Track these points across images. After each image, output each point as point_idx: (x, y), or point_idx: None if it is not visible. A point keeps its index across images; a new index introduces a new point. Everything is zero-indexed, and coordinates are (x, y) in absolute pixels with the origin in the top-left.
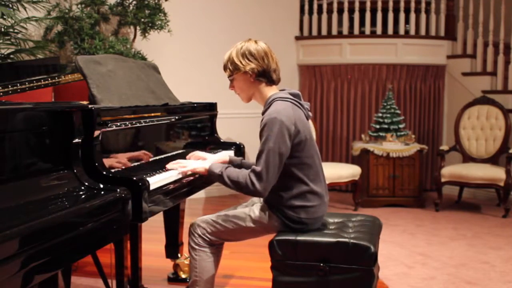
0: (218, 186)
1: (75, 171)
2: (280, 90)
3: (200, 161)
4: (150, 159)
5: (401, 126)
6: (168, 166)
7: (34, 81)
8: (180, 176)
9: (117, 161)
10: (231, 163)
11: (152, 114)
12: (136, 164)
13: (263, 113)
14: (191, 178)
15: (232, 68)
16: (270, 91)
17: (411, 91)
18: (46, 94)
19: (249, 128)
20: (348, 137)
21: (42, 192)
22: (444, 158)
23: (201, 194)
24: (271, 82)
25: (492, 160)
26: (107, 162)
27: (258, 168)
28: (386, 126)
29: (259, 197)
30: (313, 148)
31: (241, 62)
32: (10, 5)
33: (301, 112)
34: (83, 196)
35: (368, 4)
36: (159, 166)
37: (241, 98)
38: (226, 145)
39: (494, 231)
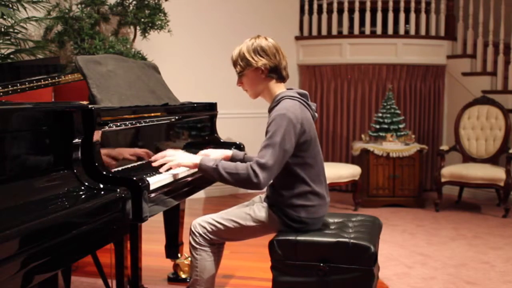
0: (218, 186)
1: (75, 171)
2: (288, 89)
3: (189, 154)
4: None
5: (401, 126)
6: (154, 162)
7: (34, 81)
8: (181, 176)
9: (118, 159)
10: (233, 157)
11: (152, 114)
12: (136, 164)
13: (269, 110)
14: (191, 178)
15: (243, 64)
16: (279, 89)
17: (411, 91)
18: (46, 94)
19: (249, 128)
20: (348, 137)
21: (42, 192)
22: (444, 158)
23: (201, 194)
24: (281, 78)
25: (492, 160)
26: (107, 161)
27: (262, 160)
28: (386, 126)
29: (258, 189)
30: (317, 149)
31: (253, 58)
32: (10, 5)
33: (308, 112)
34: (83, 196)
35: (368, 4)
36: (159, 166)
37: (249, 95)
38: (226, 145)
39: (494, 231)
